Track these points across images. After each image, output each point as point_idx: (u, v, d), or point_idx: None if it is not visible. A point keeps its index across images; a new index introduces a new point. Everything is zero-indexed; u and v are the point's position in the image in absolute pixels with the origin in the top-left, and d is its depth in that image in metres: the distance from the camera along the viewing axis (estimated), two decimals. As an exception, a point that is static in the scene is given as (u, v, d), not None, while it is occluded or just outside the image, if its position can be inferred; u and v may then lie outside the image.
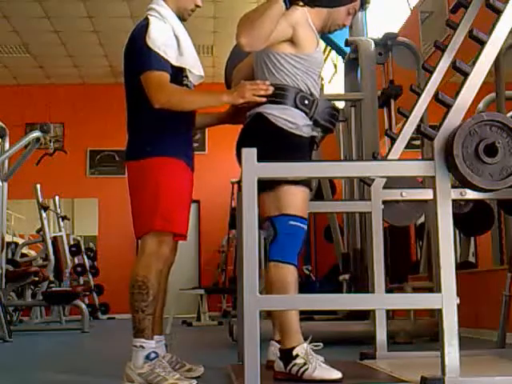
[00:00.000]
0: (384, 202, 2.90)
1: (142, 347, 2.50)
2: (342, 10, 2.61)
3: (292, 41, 2.51)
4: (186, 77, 2.70)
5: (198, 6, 2.79)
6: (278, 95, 2.50)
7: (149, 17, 2.65)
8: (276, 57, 2.52)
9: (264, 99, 2.47)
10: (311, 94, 2.54)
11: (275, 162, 2.17)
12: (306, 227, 2.48)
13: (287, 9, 2.36)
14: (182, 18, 2.76)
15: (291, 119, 2.48)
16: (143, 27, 2.61)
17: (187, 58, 2.69)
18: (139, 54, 2.58)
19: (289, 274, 2.40)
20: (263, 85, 2.47)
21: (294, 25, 2.49)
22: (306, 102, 2.52)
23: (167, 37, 2.62)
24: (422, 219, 5.11)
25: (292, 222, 2.43)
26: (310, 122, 2.54)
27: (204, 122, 2.97)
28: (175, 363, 2.76)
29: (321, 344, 2.43)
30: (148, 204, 2.59)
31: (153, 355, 2.50)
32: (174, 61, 2.60)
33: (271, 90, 2.47)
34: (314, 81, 2.57)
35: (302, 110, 2.51)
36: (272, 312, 2.65)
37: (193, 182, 2.78)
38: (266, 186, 2.39)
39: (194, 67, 2.73)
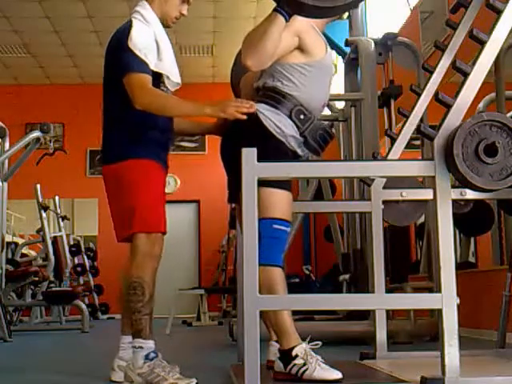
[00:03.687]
0: (384, 202, 2.90)
1: (141, 347, 2.50)
2: None
3: (301, 48, 2.49)
4: (163, 83, 2.70)
5: (182, 15, 2.79)
6: (276, 99, 2.49)
7: (132, 19, 2.66)
8: (286, 67, 2.50)
9: (245, 117, 2.44)
10: (310, 112, 2.52)
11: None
12: (289, 230, 2.47)
13: (287, 21, 2.33)
14: (165, 25, 2.76)
15: (280, 125, 2.47)
16: (126, 29, 2.62)
17: (166, 64, 2.69)
18: (121, 56, 2.59)
19: (275, 275, 2.39)
20: (247, 103, 2.45)
21: (299, 33, 2.47)
22: (302, 116, 2.50)
23: (148, 41, 2.63)
24: (422, 219, 5.11)
25: (276, 226, 2.41)
26: (300, 138, 2.51)
27: (192, 129, 3.00)
28: None
29: (319, 343, 2.43)
30: (125, 207, 2.61)
31: (152, 355, 2.50)
32: (153, 65, 2.61)
33: (254, 108, 2.44)
34: (323, 88, 2.57)
35: (294, 122, 2.49)
36: (263, 314, 2.66)
37: (165, 181, 2.79)
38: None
39: (172, 74, 2.73)
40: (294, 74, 2.50)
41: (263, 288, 2.36)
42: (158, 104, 2.55)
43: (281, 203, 2.44)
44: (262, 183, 2.30)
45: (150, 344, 2.53)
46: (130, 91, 2.53)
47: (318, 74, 2.54)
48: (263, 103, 2.50)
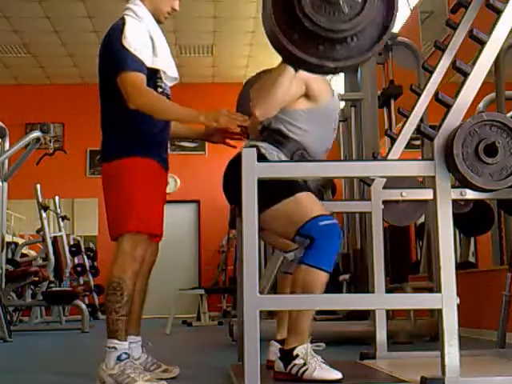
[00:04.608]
0: (384, 202, 2.90)
1: (115, 348, 2.50)
2: None
3: (307, 95, 2.51)
4: (160, 78, 2.69)
5: (174, 10, 2.79)
6: (279, 141, 2.51)
7: (125, 17, 2.65)
8: (291, 112, 2.52)
9: (238, 129, 2.46)
10: (312, 157, 2.54)
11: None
12: (336, 222, 2.40)
13: (297, 71, 2.32)
14: (157, 20, 2.75)
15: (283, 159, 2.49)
16: (119, 27, 2.61)
17: (162, 59, 2.68)
18: (115, 54, 2.57)
19: (317, 279, 2.31)
20: (241, 116, 2.46)
21: (306, 80, 2.48)
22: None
23: (142, 37, 2.62)
24: (422, 219, 5.12)
25: (323, 223, 2.34)
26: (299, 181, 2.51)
27: (184, 133, 2.99)
28: (151, 364, 2.78)
29: (323, 344, 2.43)
30: (122, 205, 2.60)
31: (124, 356, 2.50)
32: (149, 62, 2.60)
33: (247, 122, 2.44)
34: (327, 133, 2.59)
35: None
36: (280, 312, 2.67)
37: (166, 181, 2.79)
38: (268, 203, 2.35)
39: (169, 69, 2.72)
40: (298, 119, 2.52)
41: (298, 287, 2.32)
42: (153, 106, 2.54)
43: (310, 203, 2.42)
44: (281, 197, 2.33)
45: (124, 345, 2.52)
46: (123, 90, 2.52)
47: (323, 120, 2.56)
48: (266, 142, 2.51)
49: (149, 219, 2.61)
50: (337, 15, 1.82)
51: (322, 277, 2.32)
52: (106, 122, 2.71)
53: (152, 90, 2.58)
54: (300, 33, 1.85)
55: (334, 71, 1.97)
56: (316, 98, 2.53)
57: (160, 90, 2.67)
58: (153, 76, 2.63)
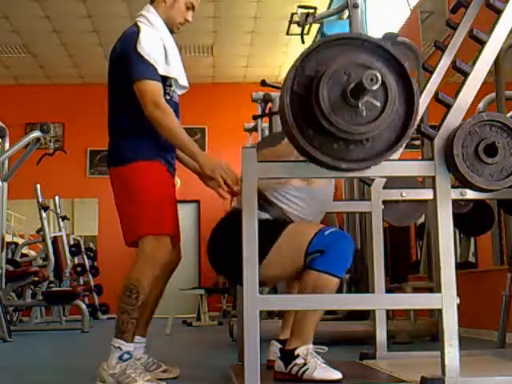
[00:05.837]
0: (384, 202, 2.90)
1: (120, 349, 2.50)
2: None
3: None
4: (170, 86, 2.69)
5: (187, 21, 2.79)
6: (263, 207, 2.46)
7: (139, 23, 2.65)
8: (283, 189, 2.50)
9: (225, 187, 2.44)
10: None
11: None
12: (333, 229, 2.41)
13: None
14: (170, 30, 2.75)
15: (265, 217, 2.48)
16: (133, 33, 2.61)
17: (174, 67, 2.68)
18: (130, 61, 2.57)
19: (329, 285, 2.30)
20: (235, 178, 2.44)
21: None
22: None
23: (157, 45, 2.62)
24: (422, 219, 5.12)
25: (327, 232, 2.35)
26: None
27: (185, 159, 2.88)
28: (151, 364, 2.78)
29: (325, 348, 2.42)
30: (134, 210, 2.58)
31: (126, 356, 2.49)
32: (162, 70, 2.60)
33: (237, 187, 2.41)
34: (312, 212, 2.55)
35: None
36: (286, 312, 2.65)
37: (174, 185, 2.78)
38: (267, 247, 2.33)
39: (180, 77, 2.73)
40: (288, 191, 2.50)
41: (307, 291, 2.30)
42: (164, 123, 2.52)
43: (306, 225, 2.44)
44: (275, 236, 2.35)
45: (129, 348, 2.51)
46: (141, 98, 2.53)
47: (311, 200, 2.54)
48: None
49: (164, 221, 2.60)
50: (355, 117, 1.80)
51: (333, 282, 2.31)
52: (116, 126, 2.70)
53: (168, 106, 2.55)
54: (315, 130, 1.83)
55: (346, 172, 1.96)
56: (312, 181, 2.52)
57: (168, 97, 2.66)
58: (163, 83, 2.62)
